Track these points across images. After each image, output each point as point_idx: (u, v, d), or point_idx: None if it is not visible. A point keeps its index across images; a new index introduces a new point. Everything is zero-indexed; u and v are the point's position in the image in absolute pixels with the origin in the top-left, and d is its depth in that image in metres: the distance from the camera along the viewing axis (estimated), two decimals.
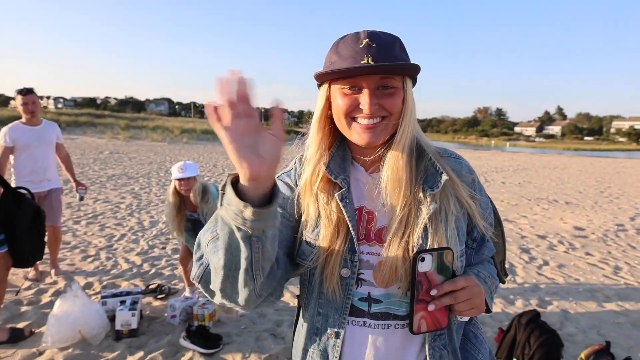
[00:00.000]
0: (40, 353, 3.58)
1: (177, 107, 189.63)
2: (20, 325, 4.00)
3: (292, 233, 1.36)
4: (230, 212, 0.93)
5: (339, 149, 1.38)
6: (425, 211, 1.23)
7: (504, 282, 1.59)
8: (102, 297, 4.27)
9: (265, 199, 0.96)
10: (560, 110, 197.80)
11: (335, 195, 1.30)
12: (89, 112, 53.41)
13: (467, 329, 1.43)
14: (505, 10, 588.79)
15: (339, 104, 1.25)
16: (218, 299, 1.14)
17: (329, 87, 1.29)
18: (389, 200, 1.28)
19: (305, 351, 1.38)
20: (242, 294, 1.07)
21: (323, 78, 1.28)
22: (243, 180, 0.92)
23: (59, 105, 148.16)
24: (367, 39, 1.20)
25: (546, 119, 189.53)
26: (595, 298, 5.24)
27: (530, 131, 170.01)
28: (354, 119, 1.25)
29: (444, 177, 1.26)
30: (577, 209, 11.51)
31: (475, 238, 1.38)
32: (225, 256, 1.01)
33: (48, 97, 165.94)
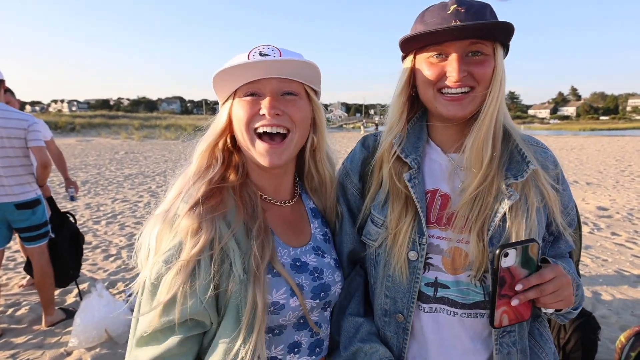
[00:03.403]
0: (68, 353, 3.58)
1: (189, 105, 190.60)
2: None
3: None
4: None
5: (416, 126, 1.33)
6: (506, 200, 1.15)
7: None
8: (127, 296, 4.27)
9: None
10: (574, 91, 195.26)
11: (404, 175, 1.24)
12: (102, 114, 54.09)
13: (533, 325, 1.35)
14: None
15: (426, 74, 1.19)
16: None
17: (414, 57, 1.24)
18: (467, 182, 1.20)
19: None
20: None
21: (408, 46, 1.22)
22: None
23: (73, 108, 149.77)
24: (455, 5, 1.14)
25: (560, 100, 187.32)
26: (626, 278, 5.12)
27: (545, 113, 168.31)
28: (440, 90, 1.18)
29: (531, 166, 1.18)
30: (599, 189, 11.29)
31: (552, 232, 1.29)
32: None
33: (62, 101, 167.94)
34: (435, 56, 1.17)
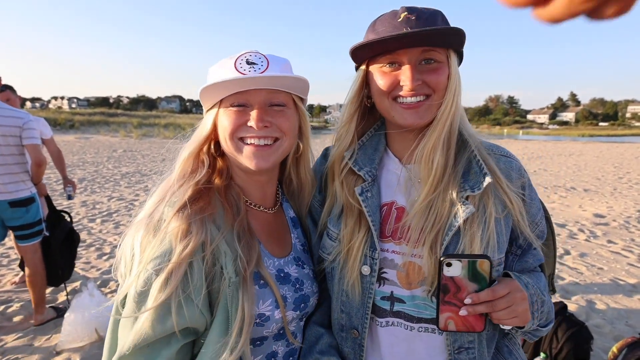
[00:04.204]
0: (58, 353, 3.55)
1: (188, 104, 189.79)
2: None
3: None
4: None
5: (373, 138, 1.29)
6: (460, 214, 1.11)
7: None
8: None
9: None
10: (573, 96, 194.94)
11: (355, 189, 1.21)
12: (102, 112, 54.13)
13: (502, 343, 1.32)
14: None
15: (379, 83, 1.16)
16: None
17: (367, 67, 1.21)
18: (421, 194, 1.17)
19: None
20: None
21: (360, 55, 1.20)
22: None
23: (73, 105, 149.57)
24: (405, 13, 1.12)
25: (559, 106, 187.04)
26: (621, 287, 5.09)
27: (544, 118, 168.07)
28: (395, 99, 1.15)
29: (487, 179, 1.13)
30: (596, 196, 11.27)
31: (520, 245, 1.25)
32: None
33: (62, 98, 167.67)
34: (387, 65, 1.15)
